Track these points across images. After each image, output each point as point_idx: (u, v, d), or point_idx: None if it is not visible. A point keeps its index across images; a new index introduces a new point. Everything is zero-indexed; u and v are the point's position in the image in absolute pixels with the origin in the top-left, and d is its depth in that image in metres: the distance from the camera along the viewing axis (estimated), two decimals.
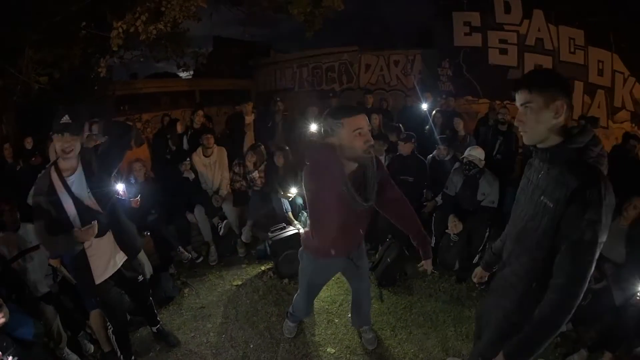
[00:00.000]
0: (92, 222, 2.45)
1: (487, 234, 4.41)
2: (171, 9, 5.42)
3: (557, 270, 1.65)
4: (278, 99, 7.50)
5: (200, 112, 6.14)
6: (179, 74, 13.83)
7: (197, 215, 4.88)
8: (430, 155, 5.62)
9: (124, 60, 6.94)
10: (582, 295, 1.61)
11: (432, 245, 4.34)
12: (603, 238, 1.56)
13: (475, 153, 4.51)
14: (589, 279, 1.61)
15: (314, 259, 2.73)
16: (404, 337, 3.53)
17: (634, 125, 8.58)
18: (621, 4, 8.11)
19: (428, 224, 4.70)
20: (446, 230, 4.53)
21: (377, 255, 4.64)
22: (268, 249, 4.72)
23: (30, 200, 2.44)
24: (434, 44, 10.22)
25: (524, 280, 1.85)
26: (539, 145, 1.75)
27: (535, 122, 1.66)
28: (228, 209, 5.15)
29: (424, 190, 5.34)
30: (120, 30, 5.22)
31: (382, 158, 5.23)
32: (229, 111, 9.69)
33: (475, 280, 2.59)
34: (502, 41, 9.07)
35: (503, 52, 9.10)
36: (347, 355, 3.27)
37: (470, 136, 5.99)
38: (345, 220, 2.40)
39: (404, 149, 5.18)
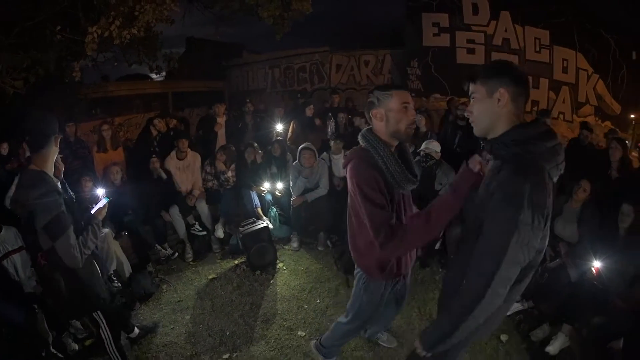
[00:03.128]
0: (103, 200, 2.62)
1: None
2: (145, 13, 5.48)
3: (472, 263, 1.61)
4: (248, 100, 7.74)
5: (163, 121, 6.15)
6: (151, 75, 13.77)
7: (172, 215, 5.05)
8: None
9: (97, 62, 6.96)
10: (486, 295, 1.53)
11: None
12: (525, 239, 1.48)
13: (432, 146, 4.77)
14: (496, 280, 1.51)
15: (379, 283, 2.37)
16: None
17: (597, 118, 9.22)
18: (585, 6, 8.76)
19: None
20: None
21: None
22: (240, 243, 4.95)
23: (39, 202, 2.31)
24: (403, 44, 10.47)
25: (461, 272, 1.75)
26: (487, 137, 1.70)
27: (480, 111, 1.66)
28: (201, 207, 5.34)
29: None
30: (95, 35, 5.27)
31: (339, 157, 5.53)
32: (202, 113, 9.75)
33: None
34: (469, 41, 9.50)
35: (470, 51, 9.52)
36: (317, 337, 3.40)
37: (431, 132, 6.25)
38: (398, 214, 2.12)
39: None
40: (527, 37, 9.23)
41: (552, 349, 3.45)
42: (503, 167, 1.55)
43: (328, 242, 5.29)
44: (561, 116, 9.29)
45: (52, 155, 2.44)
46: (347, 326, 2.71)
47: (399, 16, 10.81)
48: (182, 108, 11.09)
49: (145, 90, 11.19)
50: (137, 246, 4.62)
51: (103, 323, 2.84)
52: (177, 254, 5.05)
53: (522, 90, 1.61)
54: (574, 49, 9.11)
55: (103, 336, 2.85)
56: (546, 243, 1.61)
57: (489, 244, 1.53)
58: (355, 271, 2.49)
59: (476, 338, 1.97)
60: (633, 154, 6.59)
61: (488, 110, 1.63)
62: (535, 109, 9.01)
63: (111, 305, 3.14)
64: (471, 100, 1.71)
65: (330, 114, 6.98)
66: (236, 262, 4.91)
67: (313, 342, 3.16)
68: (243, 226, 4.83)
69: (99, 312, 2.79)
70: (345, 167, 2.18)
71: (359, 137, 2.17)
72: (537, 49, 9.25)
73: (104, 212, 2.72)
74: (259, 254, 4.67)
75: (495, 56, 9.32)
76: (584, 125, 6.46)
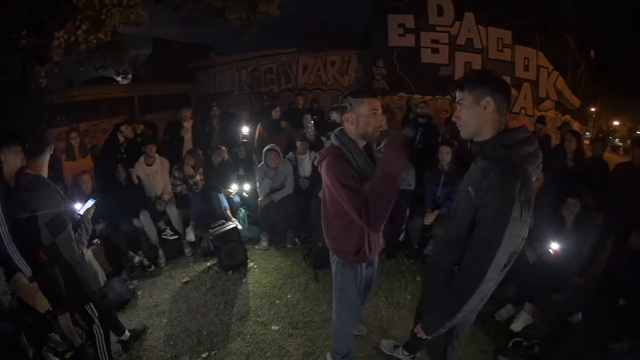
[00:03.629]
0: (90, 200, 2.95)
1: (406, 214, 4.90)
2: (111, 17, 5.47)
3: (467, 252, 1.82)
4: (214, 103, 7.73)
5: (130, 126, 6.10)
6: (116, 78, 13.46)
7: (143, 220, 5.04)
8: None
9: (62, 67, 6.83)
10: (484, 277, 1.74)
11: None
12: (514, 230, 1.69)
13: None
14: (492, 264, 1.72)
15: (354, 265, 2.56)
16: None
17: (557, 112, 9.92)
18: (546, 8, 9.47)
19: None
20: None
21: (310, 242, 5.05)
22: (210, 245, 5.07)
23: (44, 202, 2.65)
24: (369, 44, 10.63)
25: (446, 260, 2.03)
26: (474, 139, 1.89)
27: (467, 116, 1.84)
28: (171, 212, 5.36)
29: None
30: (62, 39, 5.22)
31: (304, 157, 5.71)
32: (169, 116, 9.67)
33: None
34: (434, 41, 9.81)
35: (435, 51, 9.84)
36: (290, 330, 3.67)
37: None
38: None
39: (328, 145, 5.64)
40: (490, 37, 9.71)
41: (516, 326, 3.79)
42: (492, 168, 1.75)
43: (296, 240, 5.48)
44: (523, 111, 9.85)
45: (46, 162, 2.79)
46: (342, 322, 2.82)
47: (365, 17, 11.01)
48: (149, 111, 10.87)
49: (111, 95, 10.85)
50: (110, 254, 4.61)
51: (96, 317, 2.99)
52: (152, 266, 4.99)
53: (505, 98, 1.81)
54: (535, 48, 9.78)
55: (95, 332, 2.99)
56: (527, 232, 1.80)
57: (486, 234, 1.74)
58: (332, 260, 2.68)
59: (469, 318, 2.22)
60: (586, 142, 7.01)
61: (475, 117, 1.82)
62: None
63: (102, 300, 3.29)
64: (459, 106, 1.88)
65: (308, 115, 7.07)
66: (208, 264, 5.01)
67: (328, 355, 3.23)
68: (213, 228, 4.92)
69: (91, 304, 2.97)
70: (320, 163, 2.39)
71: (332, 137, 2.40)
72: (500, 48, 9.77)
73: (92, 212, 3.07)
74: (230, 255, 4.80)
75: (458, 56, 9.76)
76: (539, 120, 6.93)
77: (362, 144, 2.38)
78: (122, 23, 5.68)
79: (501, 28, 9.68)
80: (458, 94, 1.86)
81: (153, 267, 4.96)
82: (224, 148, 5.77)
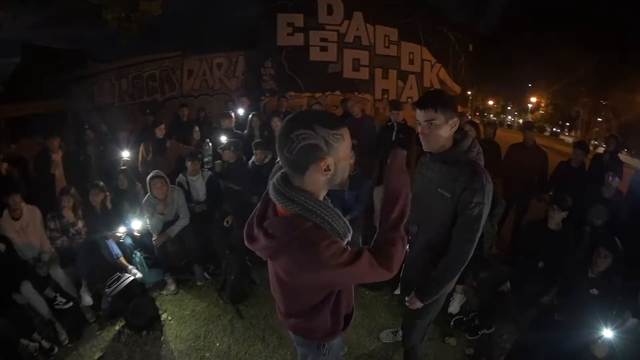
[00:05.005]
0: None
1: None
2: None
3: (455, 237, 2.25)
4: (87, 126, 6.83)
5: None
6: None
7: (26, 294, 3.97)
8: (250, 160, 5.71)
9: None
10: (471, 252, 2.25)
11: None
12: (486, 213, 2.19)
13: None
14: (476, 241, 2.23)
15: (337, 340, 1.92)
16: (276, 342, 3.78)
17: None
18: (430, 8, 10.58)
19: None
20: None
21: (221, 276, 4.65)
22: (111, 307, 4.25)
23: None
24: (257, 45, 10.45)
25: (433, 249, 2.38)
26: (433, 151, 2.27)
27: (437, 135, 2.16)
28: (57, 274, 4.34)
29: (252, 197, 5.35)
30: None
31: (196, 178, 5.33)
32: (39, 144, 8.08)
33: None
34: (323, 39, 10.07)
35: (323, 49, 10.10)
36: None
37: None
38: None
39: (226, 156, 5.29)
40: (378, 34, 10.36)
41: (453, 308, 4.24)
42: (459, 172, 2.18)
43: (205, 274, 4.93)
44: (409, 100, 10.54)
45: None
46: None
47: (253, 17, 10.78)
48: (16, 139, 9.05)
49: None
50: None
51: None
52: (54, 347, 3.92)
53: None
54: (419, 44, 10.72)
55: None
56: None
57: (471, 221, 2.18)
58: (296, 340, 1.97)
59: (441, 302, 2.67)
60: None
61: (444, 133, 2.17)
62: (385, 97, 10.29)
63: None
64: (427, 124, 2.16)
65: (196, 127, 6.58)
66: (117, 327, 4.13)
67: None
68: (109, 286, 4.21)
69: None
70: (271, 251, 1.50)
71: (279, 198, 1.46)
72: (387, 44, 10.48)
73: None
74: (137, 313, 4.06)
75: (347, 52, 10.22)
76: None
77: (323, 196, 1.56)
78: None
79: (388, 26, 10.36)
80: (430, 114, 2.12)
81: (56, 349, 3.84)
82: (102, 184, 4.82)
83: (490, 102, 47.52)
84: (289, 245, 1.41)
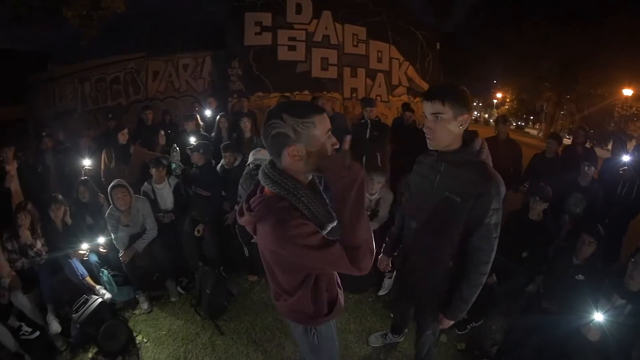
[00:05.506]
0: None
1: None
2: None
3: (473, 246, 2.12)
4: (44, 134, 6.46)
5: None
6: None
7: None
8: (219, 164, 5.52)
9: None
10: (491, 260, 2.15)
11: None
12: (500, 219, 2.08)
13: (260, 155, 4.54)
14: (495, 249, 2.12)
15: (329, 322, 2.03)
16: (261, 358, 3.62)
17: (409, 97, 11.21)
18: (398, 7, 10.78)
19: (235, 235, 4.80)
20: (252, 240, 4.48)
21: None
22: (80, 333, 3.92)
23: None
24: (224, 45, 10.28)
25: (437, 258, 2.28)
26: (441, 150, 2.12)
27: (444, 130, 2.00)
28: (19, 301, 3.96)
29: (223, 202, 5.24)
30: None
31: (162, 186, 5.14)
32: None
33: (382, 267, 2.98)
34: (291, 39, 10.00)
35: (292, 48, 10.04)
36: None
37: (256, 137, 6.08)
38: None
39: (195, 159, 5.06)
40: (346, 33, 10.41)
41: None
42: (471, 173, 2.04)
43: (179, 289, 4.68)
44: (378, 98, 10.66)
45: None
46: None
47: (220, 16, 10.52)
48: None
49: None
50: None
51: None
52: None
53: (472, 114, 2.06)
54: (387, 43, 10.86)
55: None
56: None
57: (488, 229, 2.06)
58: (292, 324, 2.10)
59: None
60: None
61: (452, 130, 2.01)
62: (354, 95, 10.35)
63: None
64: (434, 118, 1.99)
65: (162, 131, 6.33)
66: (90, 354, 3.82)
67: None
68: (76, 310, 3.87)
69: None
70: (253, 225, 1.66)
71: (264, 178, 1.63)
72: (355, 43, 10.54)
73: None
74: (110, 338, 3.76)
75: (315, 52, 10.19)
76: (406, 107, 7.80)
77: (308, 179, 1.70)
78: None
79: (356, 25, 10.42)
80: (437, 107, 1.96)
81: None
82: (60, 198, 4.50)
83: None
84: (263, 220, 1.58)
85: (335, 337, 2.14)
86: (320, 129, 1.55)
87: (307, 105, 1.60)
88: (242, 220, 1.70)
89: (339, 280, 2.02)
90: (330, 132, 1.60)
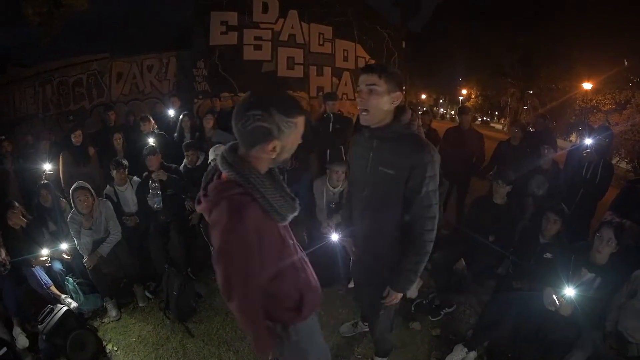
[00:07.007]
0: None
1: None
2: None
3: (415, 215, 2.16)
4: (3, 137, 6.27)
5: None
6: None
7: None
8: (182, 164, 5.48)
9: None
10: (436, 228, 2.20)
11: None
12: (437, 186, 2.14)
13: (220, 151, 4.54)
14: (437, 215, 2.19)
15: (308, 321, 1.94)
16: (233, 358, 3.62)
17: None
18: (364, 7, 10.84)
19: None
20: None
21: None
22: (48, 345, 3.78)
23: None
24: (189, 45, 10.19)
25: (384, 232, 2.32)
26: (372, 126, 2.17)
27: (377, 103, 2.04)
28: None
29: (185, 202, 5.20)
30: None
31: (125, 188, 5.05)
32: None
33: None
34: (257, 38, 9.95)
35: (257, 48, 10.00)
36: None
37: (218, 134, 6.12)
38: (290, 243, 1.81)
39: (151, 163, 4.95)
40: (312, 32, 10.39)
41: (411, 293, 4.25)
42: (403, 145, 2.10)
43: (147, 293, 4.61)
44: (345, 96, 10.69)
45: None
46: None
47: (185, 16, 10.65)
48: None
49: None
50: None
51: None
52: None
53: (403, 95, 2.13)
54: (353, 41, 10.84)
55: None
56: None
57: (426, 197, 2.12)
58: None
59: None
60: None
61: (384, 105, 2.06)
62: (320, 94, 10.13)
63: None
64: (367, 89, 2.03)
65: (118, 134, 6.15)
66: None
67: None
68: (41, 321, 3.76)
69: None
70: (209, 212, 1.59)
71: (221, 163, 1.61)
72: (321, 42, 10.54)
73: None
74: (78, 348, 3.66)
75: (281, 51, 10.16)
76: None
77: (266, 168, 1.67)
78: None
79: (322, 24, 10.42)
80: (373, 78, 2.01)
81: None
82: (17, 206, 4.40)
83: (423, 96, 50.34)
84: (215, 205, 1.54)
85: (314, 341, 2.06)
86: (300, 129, 1.60)
87: (294, 104, 1.60)
88: (199, 208, 1.67)
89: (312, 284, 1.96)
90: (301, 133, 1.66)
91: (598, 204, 5.09)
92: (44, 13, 6.62)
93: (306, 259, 1.99)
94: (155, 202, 4.84)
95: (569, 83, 22.78)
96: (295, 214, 1.70)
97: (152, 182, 4.75)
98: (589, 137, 5.02)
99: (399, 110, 2.13)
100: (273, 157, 1.59)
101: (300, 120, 1.58)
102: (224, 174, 1.60)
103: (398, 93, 2.06)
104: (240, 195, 1.53)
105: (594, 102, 21.59)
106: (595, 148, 4.95)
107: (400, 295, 2.41)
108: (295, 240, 1.91)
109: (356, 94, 2.23)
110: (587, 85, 20.35)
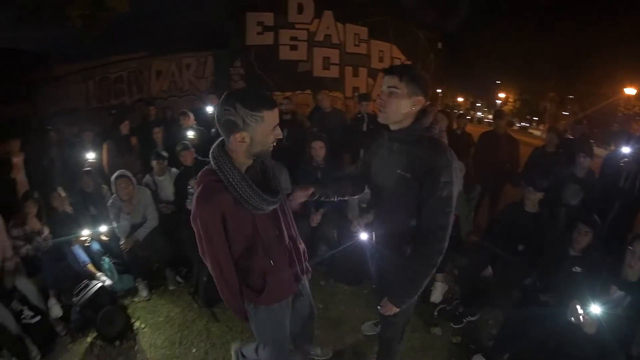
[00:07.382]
0: None
1: None
2: None
3: (425, 222, 2.04)
4: (50, 127, 6.64)
5: None
6: None
7: None
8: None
9: None
10: (447, 241, 2.05)
11: None
12: (456, 194, 2.03)
13: None
14: (450, 227, 2.04)
15: (270, 307, 2.19)
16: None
17: None
18: (399, 7, 10.70)
19: None
20: None
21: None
22: (80, 317, 4.01)
23: None
24: (226, 44, 10.36)
25: (396, 237, 2.23)
26: (392, 127, 2.13)
27: (395, 106, 2.01)
28: (24, 285, 4.00)
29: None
30: None
31: (164, 178, 5.20)
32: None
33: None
34: (292, 38, 10.06)
35: (293, 48, 10.09)
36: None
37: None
38: (267, 233, 2.02)
39: (186, 158, 5.04)
40: (348, 33, 10.44)
41: (435, 297, 4.25)
42: (423, 150, 2.00)
43: (178, 278, 4.77)
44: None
45: None
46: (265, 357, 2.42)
47: (222, 16, 10.61)
48: None
49: None
50: None
51: None
52: None
53: (428, 98, 2.06)
54: (389, 42, 10.87)
55: None
56: None
57: (440, 204, 1.99)
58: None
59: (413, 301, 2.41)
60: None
61: (403, 108, 2.02)
62: (356, 94, 10.13)
63: None
64: (388, 91, 2.01)
65: (157, 128, 6.36)
66: (89, 339, 3.89)
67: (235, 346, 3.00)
68: (77, 294, 4.00)
69: None
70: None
71: (210, 155, 1.89)
72: (357, 43, 10.58)
73: None
74: (108, 322, 3.84)
75: (317, 51, 10.23)
76: None
77: (250, 162, 1.93)
78: None
79: (358, 25, 10.44)
80: (394, 81, 1.99)
81: None
82: (60, 188, 4.65)
83: (460, 99, 49.18)
84: (197, 185, 1.89)
85: (272, 327, 2.28)
86: (267, 123, 1.79)
87: (260, 98, 1.79)
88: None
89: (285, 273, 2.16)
90: (277, 126, 1.86)
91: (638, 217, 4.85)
92: (87, 15, 6.90)
93: (298, 254, 2.24)
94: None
95: (610, 88, 21.98)
96: (271, 207, 1.95)
97: (190, 187, 4.85)
98: (628, 145, 4.82)
99: (421, 113, 2.05)
100: (244, 148, 1.81)
101: (267, 114, 1.77)
102: (212, 164, 1.87)
103: (420, 97, 1.99)
104: (214, 182, 1.83)
105: (637, 109, 20.84)
106: (634, 157, 4.75)
107: (395, 308, 2.24)
108: (292, 233, 2.20)
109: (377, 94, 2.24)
110: (630, 91, 19.61)
